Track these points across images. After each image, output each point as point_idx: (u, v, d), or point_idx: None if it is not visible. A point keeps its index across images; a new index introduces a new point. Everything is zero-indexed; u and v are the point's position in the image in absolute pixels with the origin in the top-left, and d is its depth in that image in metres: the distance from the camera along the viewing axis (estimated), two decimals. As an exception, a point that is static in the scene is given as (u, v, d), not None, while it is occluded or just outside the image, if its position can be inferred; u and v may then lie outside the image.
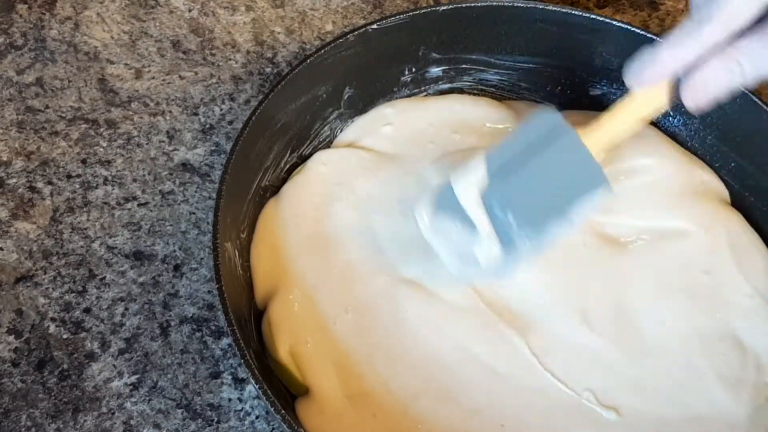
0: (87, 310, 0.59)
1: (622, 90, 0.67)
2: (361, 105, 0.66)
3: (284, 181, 0.62)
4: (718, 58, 0.45)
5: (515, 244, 0.49)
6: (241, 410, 0.56)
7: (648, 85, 0.48)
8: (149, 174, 0.65)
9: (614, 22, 0.64)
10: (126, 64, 0.71)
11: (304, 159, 0.63)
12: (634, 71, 0.48)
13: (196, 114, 0.69)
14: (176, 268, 0.61)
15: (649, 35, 0.63)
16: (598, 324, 0.55)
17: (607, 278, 0.57)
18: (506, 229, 0.49)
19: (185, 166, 0.66)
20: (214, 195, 0.60)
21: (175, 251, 0.62)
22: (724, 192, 0.63)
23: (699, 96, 0.46)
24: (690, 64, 0.46)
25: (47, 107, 0.68)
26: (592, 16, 0.64)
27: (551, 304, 0.56)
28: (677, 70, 0.46)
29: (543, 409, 0.52)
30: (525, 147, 0.50)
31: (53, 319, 0.58)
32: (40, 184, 0.64)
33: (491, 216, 0.50)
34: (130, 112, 0.68)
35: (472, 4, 0.64)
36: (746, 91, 0.60)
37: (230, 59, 0.72)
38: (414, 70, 0.67)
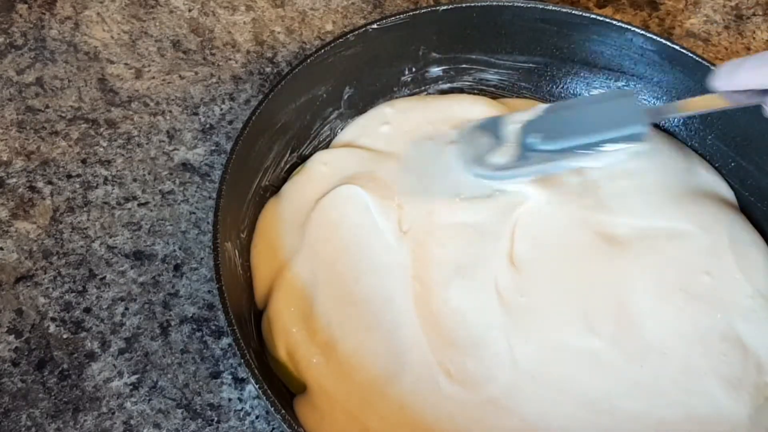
0: (87, 310, 0.59)
1: (622, 89, 0.67)
2: (361, 105, 0.66)
3: (284, 181, 0.62)
4: None
5: (529, 158, 0.53)
6: (241, 410, 0.56)
7: (733, 88, 0.51)
8: (149, 174, 0.65)
9: (614, 22, 0.64)
10: (126, 64, 0.71)
11: (304, 159, 0.63)
12: (725, 73, 0.50)
13: (196, 114, 0.69)
14: (176, 267, 0.61)
15: (649, 35, 0.63)
16: (598, 324, 0.55)
17: (608, 279, 0.57)
18: (530, 146, 0.53)
19: (185, 166, 0.66)
20: (214, 195, 0.60)
21: (175, 251, 0.62)
22: (726, 192, 0.63)
23: None
24: None
25: (47, 107, 0.68)
26: (592, 16, 0.64)
27: (551, 305, 0.56)
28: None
29: (543, 406, 0.53)
30: (585, 101, 0.55)
31: (53, 319, 0.58)
32: (40, 184, 0.64)
33: (522, 137, 0.54)
34: (130, 112, 0.68)
35: (472, 4, 0.64)
36: (746, 91, 0.60)
37: (230, 59, 0.72)
38: (414, 70, 0.67)
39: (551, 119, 0.55)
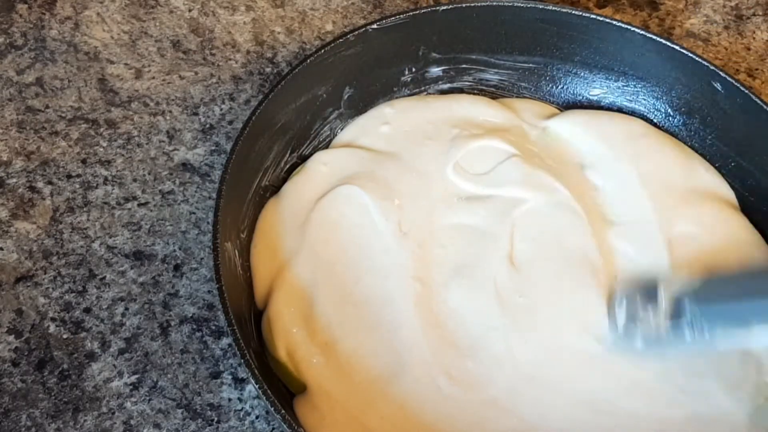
0: (87, 310, 0.59)
1: (621, 90, 0.67)
2: (361, 105, 0.66)
3: (284, 181, 0.62)
4: None
5: (684, 330, 0.52)
6: (241, 410, 0.56)
7: None
8: (149, 174, 0.65)
9: (614, 22, 0.64)
10: (126, 64, 0.71)
11: (304, 159, 0.63)
12: None
13: (196, 114, 0.69)
14: (176, 268, 0.61)
15: (649, 35, 0.63)
16: (598, 325, 0.55)
17: (608, 279, 0.57)
18: (683, 316, 0.52)
19: (185, 166, 0.66)
20: (214, 195, 0.60)
21: (175, 251, 0.62)
22: (727, 192, 0.63)
23: None
24: None
25: (47, 107, 0.68)
26: (592, 16, 0.64)
27: (551, 305, 0.56)
28: None
29: (544, 406, 0.53)
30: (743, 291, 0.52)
31: (53, 319, 0.58)
32: (40, 184, 0.64)
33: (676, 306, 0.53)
34: (130, 112, 0.68)
35: (472, 4, 0.64)
36: (746, 91, 0.60)
37: (230, 59, 0.72)
38: (414, 70, 0.67)
39: (709, 308, 0.53)
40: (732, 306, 0.52)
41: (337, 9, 0.76)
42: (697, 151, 0.65)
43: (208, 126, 0.68)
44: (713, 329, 0.51)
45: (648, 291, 0.54)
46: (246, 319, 0.54)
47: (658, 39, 0.63)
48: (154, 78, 0.71)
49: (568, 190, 0.61)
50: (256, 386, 0.47)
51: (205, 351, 0.58)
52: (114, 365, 0.57)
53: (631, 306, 0.54)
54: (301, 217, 0.59)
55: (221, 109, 0.69)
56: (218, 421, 0.55)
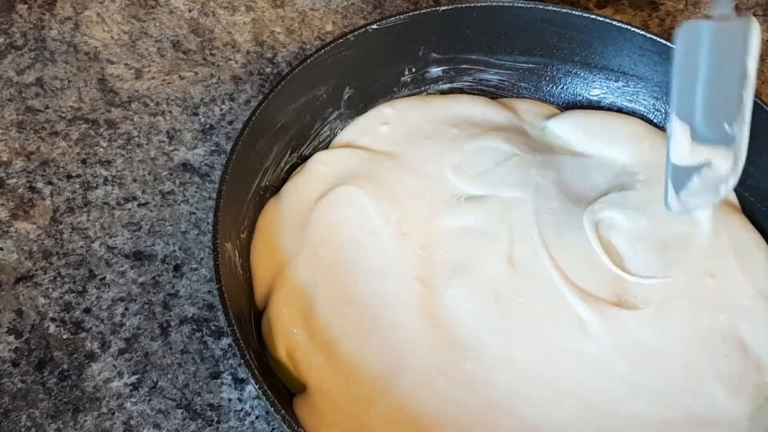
0: (87, 310, 0.59)
1: (621, 90, 0.67)
2: (361, 105, 0.66)
3: (284, 181, 0.62)
4: None
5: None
6: (241, 410, 0.56)
7: None
8: (149, 174, 0.65)
9: (614, 22, 0.64)
10: (126, 64, 0.71)
11: (304, 159, 0.63)
12: None
13: (196, 114, 0.69)
14: (176, 268, 0.61)
15: (649, 35, 0.63)
16: (598, 326, 0.55)
17: (608, 280, 0.58)
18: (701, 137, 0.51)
19: (185, 166, 0.66)
20: (214, 195, 0.60)
21: (175, 251, 0.62)
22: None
23: None
24: None
25: (47, 107, 0.68)
26: (592, 16, 0.64)
27: (550, 306, 0.56)
28: None
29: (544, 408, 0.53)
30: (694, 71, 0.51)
31: (53, 319, 0.58)
32: (40, 184, 0.64)
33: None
34: (130, 112, 0.68)
35: (472, 4, 0.64)
36: (746, 91, 0.60)
37: (230, 59, 0.72)
38: (414, 70, 0.67)
39: (701, 115, 0.52)
40: None
41: (337, 9, 0.76)
42: (697, 151, 0.65)
43: (208, 126, 0.68)
44: None
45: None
46: (246, 319, 0.54)
47: (658, 39, 0.63)
48: (154, 78, 0.71)
49: (568, 190, 0.61)
50: (256, 386, 0.47)
51: (205, 351, 0.58)
52: (114, 365, 0.57)
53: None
54: (301, 217, 0.59)
55: (221, 110, 0.69)
56: (218, 422, 0.55)
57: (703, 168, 0.53)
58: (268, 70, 0.72)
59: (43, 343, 0.57)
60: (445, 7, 0.63)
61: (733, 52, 0.50)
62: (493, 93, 0.69)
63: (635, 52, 0.65)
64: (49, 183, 0.64)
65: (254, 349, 0.52)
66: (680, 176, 0.53)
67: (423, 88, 0.68)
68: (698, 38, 0.50)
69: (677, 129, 0.52)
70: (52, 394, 0.55)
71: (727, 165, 0.52)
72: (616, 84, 0.67)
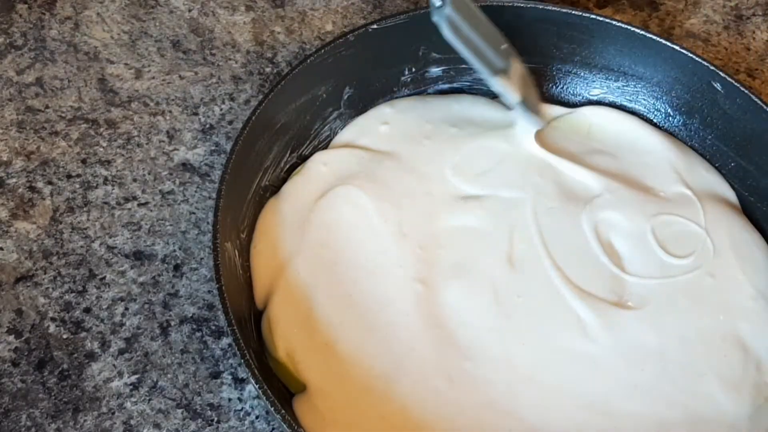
0: (87, 310, 0.59)
1: (621, 90, 0.67)
2: (361, 105, 0.66)
3: (284, 181, 0.62)
4: None
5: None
6: (241, 410, 0.56)
7: None
8: (149, 174, 0.65)
9: (614, 22, 0.64)
10: (126, 64, 0.71)
11: (303, 159, 0.63)
12: None
13: (196, 114, 0.69)
14: (176, 268, 0.61)
15: (649, 35, 0.63)
16: (597, 326, 0.55)
17: (607, 280, 0.57)
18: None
19: (185, 166, 0.66)
20: (214, 195, 0.60)
21: (175, 251, 0.62)
22: (727, 192, 0.63)
23: None
24: None
25: (47, 107, 0.68)
26: (592, 16, 0.64)
27: (549, 306, 0.56)
28: None
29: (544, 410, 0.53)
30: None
31: (53, 319, 0.58)
32: (40, 184, 0.64)
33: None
34: (130, 112, 0.68)
35: (472, 4, 0.64)
36: (746, 91, 0.60)
37: (230, 59, 0.72)
38: (414, 70, 0.67)
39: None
40: None
41: (337, 9, 0.76)
42: (697, 151, 0.65)
43: (208, 126, 0.68)
44: None
45: None
46: (246, 319, 0.54)
47: (658, 39, 0.63)
48: (154, 78, 0.71)
49: (568, 190, 0.61)
50: (256, 386, 0.47)
51: (205, 351, 0.58)
52: (114, 365, 0.57)
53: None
54: (301, 217, 0.59)
55: (221, 109, 0.69)
56: (218, 421, 0.55)
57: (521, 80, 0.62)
58: (268, 69, 0.72)
59: (43, 342, 0.57)
60: (445, 7, 0.63)
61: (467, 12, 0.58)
62: (492, 92, 0.69)
63: (635, 52, 0.65)
64: (49, 183, 0.64)
65: (254, 349, 0.52)
66: (524, 103, 0.63)
67: (423, 88, 0.68)
68: (449, 18, 0.57)
69: (501, 84, 0.61)
70: (52, 393, 0.55)
71: (516, 58, 0.61)
72: (616, 84, 0.67)
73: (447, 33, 0.57)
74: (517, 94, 0.62)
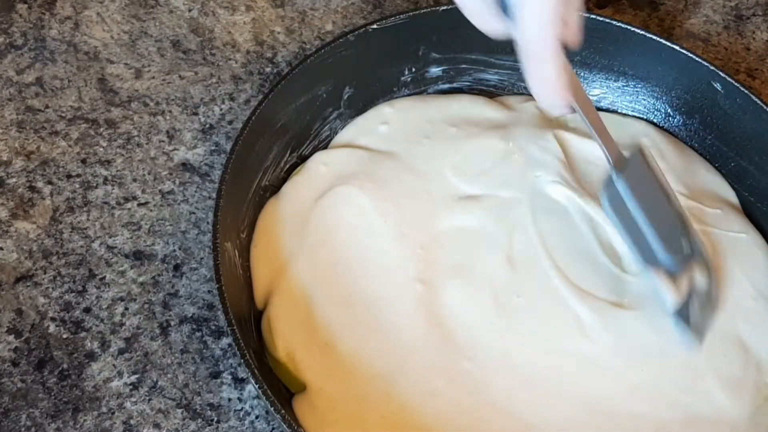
0: (87, 310, 0.59)
1: (621, 90, 0.67)
2: (361, 105, 0.66)
3: (284, 181, 0.62)
4: None
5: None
6: (241, 410, 0.56)
7: None
8: (149, 174, 0.65)
9: (614, 22, 0.64)
10: (126, 64, 0.71)
11: (303, 159, 0.63)
12: None
13: (196, 114, 0.69)
14: (176, 267, 0.61)
15: (649, 35, 0.63)
16: (597, 326, 0.55)
17: (607, 280, 0.57)
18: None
19: (185, 165, 0.66)
20: (214, 195, 0.60)
21: (175, 251, 0.62)
22: (727, 192, 0.63)
23: None
24: None
25: (47, 107, 0.68)
26: (592, 16, 0.64)
27: (548, 306, 0.56)
28: None
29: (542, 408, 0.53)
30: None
31: (53, 319, 0.58)
32: (40, 184, 0.64)
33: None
34: (130, 112, 0.68)
35: (472, 4, 0.64)
36: (746, 91, 0.60)
37: (230, 59, 0.72)
38: (414, 70, 0.67)
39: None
40: None
41: (337, 9, 0.76)
42: (697, 151, 0.65)
43: (208, 126, 0.68)
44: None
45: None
46: (246, 319, 0.54)
47: (658, 39, 0.63)
48: (154, 78, 0.71)
49: (567, 190, 0.61)
50: (256, 386, 0.47)
51: (205, 351, 0.58)
52: (114, 365, 0.57)
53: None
54: (301, 217, 0.59)
55: (221, 109, 0.69)
56: (218, 421, 0.55)
57: (692, 294, 0.54)
58: (268, 69, 0.72)
59: (42, 342, 0.57)
60: (445, 7, 0.63)
61: (645, 181, 0.52)
62: (492, 93, 0.69)
63: (635, 52, 0.65)
64: (49, 183, 0.64)
65: (254, 349, 0.52)
66: (682, 315, 0.54)
67: (423, 88, 0.68)
68: (615, 192, 0.52)
69: (656, 280, 0.54)
70: (52, 393, 0.55)
71: (705, 273, 0.54)
72: (616, 84, 0.67)
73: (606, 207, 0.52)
74: (676, 301, 0.54)
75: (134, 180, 0.65)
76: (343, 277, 0.56)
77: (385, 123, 0.65)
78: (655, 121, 0.67)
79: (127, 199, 0.64)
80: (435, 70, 0.67)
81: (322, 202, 0.59)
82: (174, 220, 0.63)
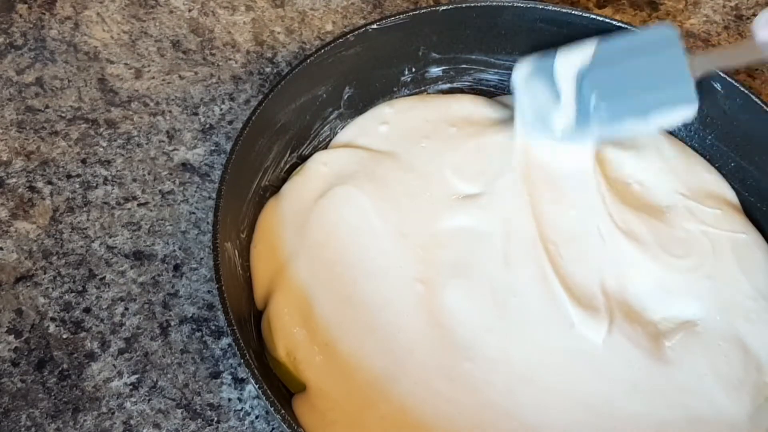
0: (87, 310, 0.59)
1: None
2: (361, 105, 0.66)
3: (284, 181, 0.62)
4: None
5: (588, 121, 0.58)
6: (241, 410, 0.56)
7: None
8: (149, 174, 0.65)
9: (614, 22, 0.64)
10: (126, 64, 0.71)
11: (303, 159, 0.63)
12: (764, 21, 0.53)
13: (196, 114, 0.69)
14: (176, 267, 0.61)
15: (649, 35, 0.63)
16: (595, 326, 0.55)
17: (606, 280, 0.57)
18: (586, 106, 0.58)
19: (185, 166, 0.66)
20: (214, 195, 0.60)
21: (175, 251, 0.62)
22: (727, 192, 0.63)
23: None
24: None
25: (47, 107, 0.68)
26: (592, 16, 0.64)
27: (547, 305, 0.56)
28: None
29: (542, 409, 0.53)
30: (633, 46, 0.58)
31: (53, 319, 0.58)
32: (40, 184, 0.64)
33: (578, 93, 0.58)
34: (130, 112, 0.68)
35: (472, 4, 0.64)
36: (746, 91, 0.60)
37: (230, 59, 0.72)
38: (414, 70, 0.67)
39: (604, 74, 0.58)
40: (633, 100, 0.57)
41: (337, 9, 0.76)
42: (697, 151, 0.65)
43: (208, 126, 0.68)
44: (617, 120, 0.58)
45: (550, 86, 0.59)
46: (246, 319, 0.54)
47: (658, 39, 0.63)
48: (154, 78, 0.71)
49: (566, 189, 0.61)
50: (256, 386, 0.47)
51: (205, 351, 0.58)
52: (114, 365, 0.57)
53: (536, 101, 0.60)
54: (300, 217, 0.59)
55: (221, 109, 0.69)
56: (218, 421, 0.55)
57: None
58: (268, 69, 0.72)
59: (42, 342, 0.57)
60: (445, 7, 0.63)
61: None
62: (492, 93, 0.69)
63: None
64: (49, 183, 0.64)
65: (254, 349, 0.52)
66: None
67: (423, 88, 0.68)
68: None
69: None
70: (52, 393, 0.55)
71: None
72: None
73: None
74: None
75: (134, 180, 0.65)
76: (343, 277, 0.56)
77: (385, 123, 0.65)
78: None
79: (127, 199, 0.64)
80: (435, 70, 0.67)
81: (322, 202, 0.59)
82: (174, 220, 0.63)
